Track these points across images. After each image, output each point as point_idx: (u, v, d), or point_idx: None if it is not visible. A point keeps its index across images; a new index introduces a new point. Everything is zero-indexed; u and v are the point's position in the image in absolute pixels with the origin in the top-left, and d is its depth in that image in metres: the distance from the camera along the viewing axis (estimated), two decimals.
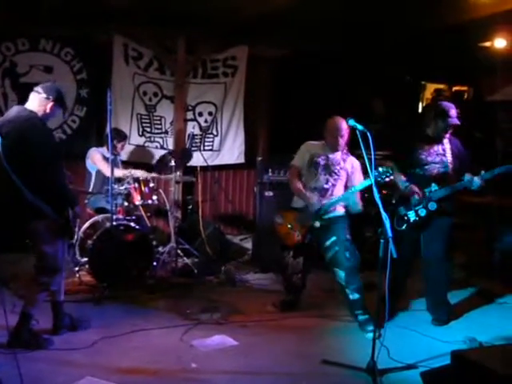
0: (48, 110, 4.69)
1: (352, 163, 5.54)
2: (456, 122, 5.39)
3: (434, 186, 5.36)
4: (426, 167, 5.45)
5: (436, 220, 5.43)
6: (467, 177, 5.22)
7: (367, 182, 5.07)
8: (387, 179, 5.01)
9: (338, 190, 5.47)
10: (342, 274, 5.26)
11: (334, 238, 5.31)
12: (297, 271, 5.69)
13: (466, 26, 7.37)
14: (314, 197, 5.36)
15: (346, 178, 5.51)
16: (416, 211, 5.42)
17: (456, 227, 5.92)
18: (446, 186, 5.32)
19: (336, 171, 5.45)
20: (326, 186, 5.44)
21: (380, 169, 4.92)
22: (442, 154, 5.44)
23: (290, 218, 5.52)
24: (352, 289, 5.26)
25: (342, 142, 5.42)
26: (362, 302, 5.31)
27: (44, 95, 4.66)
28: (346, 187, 5.49)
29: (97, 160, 6.89)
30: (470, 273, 7.08)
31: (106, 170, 6.71)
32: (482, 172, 5.18)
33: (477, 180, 5.16)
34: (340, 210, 5.44)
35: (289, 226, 5.48)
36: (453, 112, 5.38)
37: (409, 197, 5.40)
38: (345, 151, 5.53)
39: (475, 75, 10.35)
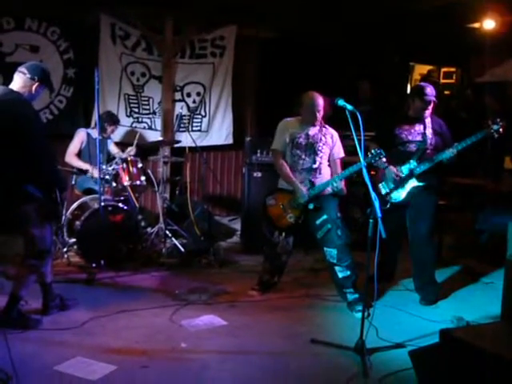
0: (33, 91, 4.60)
1: (332, 135, 5.51)
2: (432, 99, 5.41)
3: (413, 163, 5.40)
4: (407, 145, 5.50)
5: (420, 199, 5.46)
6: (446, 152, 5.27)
7: (357, 166, 5.00)
8: (381, 160, 5.08)
9: (325, 167, 5.47)
10: (333, 251, 5.24)
11: (325, 217, 5.29)
12: (286, 251, 5.66)
13: (454, 7, 7.37)
14: (304, 188, 5.31)
15: (329, 152, 5.50)
16: (397, 189, 5.46)
17: (445, 208, 5.92)
18: (424, 161, 5.37)
19: (320, 148, 5.41)
20: (314, 166, 5.41)
21: (373, 151, 4.97)
22: (423, 132, 5.48)
23: (282, 199, 5.45)
24: (344, 266, 5.25)
25: (319, 116, 5.40)
26: (354, 280, 5.30)
27: (29, 75, 4.56)
28: (329, 160, 5.50)
29: (75, 139, 6.94)
30: (459, 254, 7.12)
31: (72, 148, 6.92)
32: (456, 144, 5.24)
33: (449, 151, 5.21)
34: (329, 189, 5.40)
35: (281, 207, 5.43)
36: (429, 90, 5.41)
37: (389, 177, 5.45)
38: (322, 124, 5.49)
39: (464, 56, 10.37)
